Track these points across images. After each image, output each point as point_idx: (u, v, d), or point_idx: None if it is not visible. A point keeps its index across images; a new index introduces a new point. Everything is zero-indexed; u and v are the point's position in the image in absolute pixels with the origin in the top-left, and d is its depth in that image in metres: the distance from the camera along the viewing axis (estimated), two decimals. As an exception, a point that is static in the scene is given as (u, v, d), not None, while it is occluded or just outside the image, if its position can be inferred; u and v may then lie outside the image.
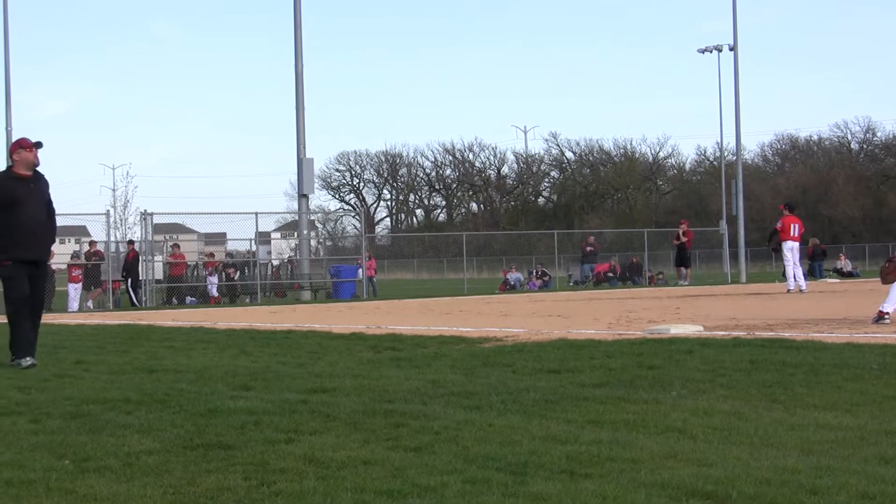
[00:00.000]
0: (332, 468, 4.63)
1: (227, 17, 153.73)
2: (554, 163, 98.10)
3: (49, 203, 10.37)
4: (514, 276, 41.79)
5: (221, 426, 5.77)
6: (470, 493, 4.11)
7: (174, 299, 31.37)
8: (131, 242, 32.14)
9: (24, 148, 10.18)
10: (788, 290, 24.22)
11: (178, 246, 34.42)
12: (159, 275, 31.71)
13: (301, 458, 4.86)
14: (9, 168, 10.33)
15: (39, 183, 10.33)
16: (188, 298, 32.64)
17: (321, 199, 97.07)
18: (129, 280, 30.01)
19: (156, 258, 31.55)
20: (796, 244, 24.76)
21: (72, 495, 4.28)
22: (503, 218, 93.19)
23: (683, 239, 36.33)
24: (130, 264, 30.16)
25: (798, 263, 24.94)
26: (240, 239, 38.96)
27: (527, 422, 5.66)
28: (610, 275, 40.40)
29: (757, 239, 66.68)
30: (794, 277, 24.56)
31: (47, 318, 21.22)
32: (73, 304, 30.16)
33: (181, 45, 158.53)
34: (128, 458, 4.96)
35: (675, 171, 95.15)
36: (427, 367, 8.61)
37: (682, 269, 36.56)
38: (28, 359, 9.81)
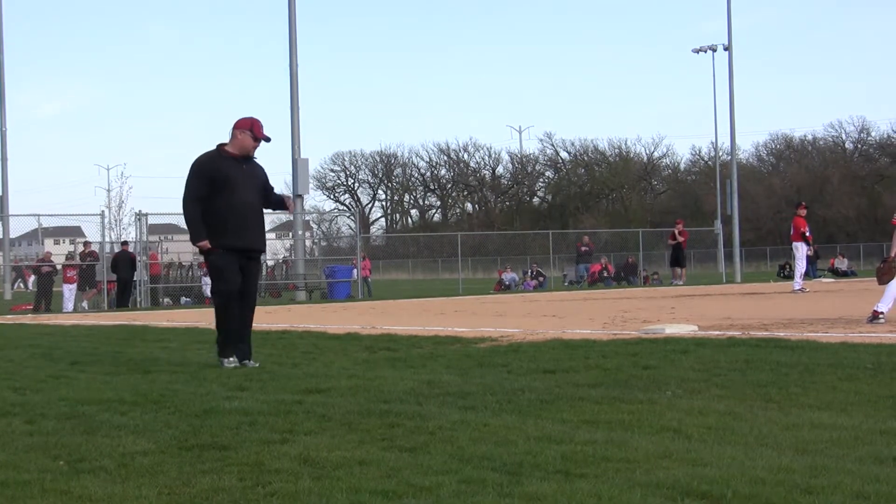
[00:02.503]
0: (327, 468, 4.62)
1: (222, 17, 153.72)
2: (549, 163, 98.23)
3: (266, 184, 9.47)
4: (509, 276, 41.82)
5: (216, 427, 5.76)
6: (465, 494, 4.10)
7: (161, 299, 31.44)
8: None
9: (248, 132, 9.25)
10: (793, 290, 24.31)
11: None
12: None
13: (296, 458, 4.85)
14: (219, 146, 9.35)
15: (252, 165, 9.37)
16: (183, 299, 32.65)
17: (316, 200, 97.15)
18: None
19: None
20: (793, 243, 24.94)
21: (67, 496, 4.27)
22: (498, 218, 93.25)
23: (680, 238, 36.33)
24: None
25: (797, 262, 25.08)
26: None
27: (522, 422, 5.66)
28: (605, 275, 40.43)
29: (752, 239, 66.79)
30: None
31: (41, 319, 21.22)
32: (68, 304, 30.16)
33: (176, 45, 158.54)
34: (123, 458, 4.95)
35: (669, 171, 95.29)
36: (422, 367, 8.61)
37: (678, 268, 36.59)
38: (233, 359, 9.06)
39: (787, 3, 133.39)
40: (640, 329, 12.05)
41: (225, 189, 9.10)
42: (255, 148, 9.34)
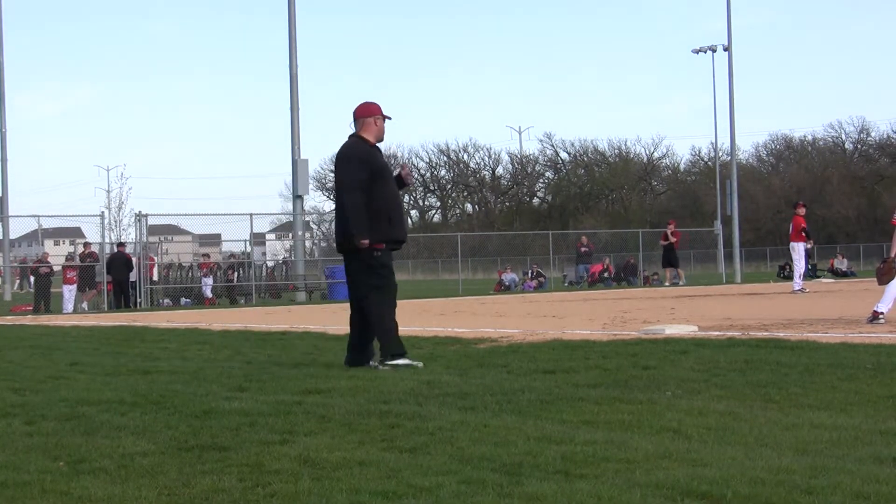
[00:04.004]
0: (327, 469, 4.62)
1: (222, 17, 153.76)
2: (548, 163, 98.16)
3: None
4: (509, 276, 41.78)
5: (216, 427, 5.76)
6: (465, 494, 4.10)
7: (160, 300, 31.51)
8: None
9: (381, 117, 8.88)
10: (793, 291, 24.29)
11: None
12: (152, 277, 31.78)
13: (296, 459, 4.85)
14: (357, 136, 8.86)
15: (382, 153, 8.98)
16: (183, 300, 32.66)
17: (316, 200, 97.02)
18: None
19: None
20: (791, 243, 24.95)
21: (67, 497, 4.27)
22: (498, 219, 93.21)
23: (672, 239, 36.32)
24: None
25: (796, 263, 25.09)
26: (235, 240, 39.00)
27: (522, 422, 5.66)
28: (605, 275, 40.42)
29: (752, 239, 66.72)
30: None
31: (41, 320, 21.23)
32: (68, 305, 30.16)
33: (175, 45, 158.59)
34: (122, 459, 4.95)
35: (669, 171, 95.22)
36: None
37: (672, 269, 36.59)
38: (419, 361, 8.64)
39: (788, 4, 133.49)
40: (640, 329, 12.04)
41: (380, 179, 8.62)
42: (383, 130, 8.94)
